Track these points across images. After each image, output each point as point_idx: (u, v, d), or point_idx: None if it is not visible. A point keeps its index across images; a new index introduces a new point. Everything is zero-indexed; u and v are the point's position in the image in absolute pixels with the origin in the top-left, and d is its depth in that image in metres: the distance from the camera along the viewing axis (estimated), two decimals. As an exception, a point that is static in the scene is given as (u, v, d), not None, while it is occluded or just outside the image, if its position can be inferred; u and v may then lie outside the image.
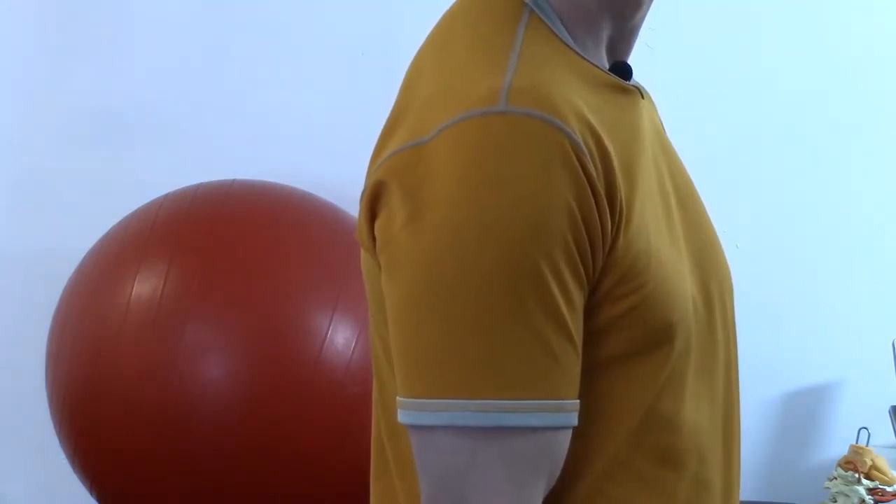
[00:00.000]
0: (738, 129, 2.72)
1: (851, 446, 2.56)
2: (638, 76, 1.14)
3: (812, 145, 2.74)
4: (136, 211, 2.24)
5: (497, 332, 0.88)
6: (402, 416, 0.92)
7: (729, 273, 1.14)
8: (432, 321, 0.90)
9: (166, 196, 2.23)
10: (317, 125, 2.65)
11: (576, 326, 0.91)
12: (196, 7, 2.66)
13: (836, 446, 2.70)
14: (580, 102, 0.93)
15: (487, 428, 0.88)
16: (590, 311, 0.93)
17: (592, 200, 0.90)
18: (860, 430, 2.60)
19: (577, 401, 0.92)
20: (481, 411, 0.88)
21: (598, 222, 0.91)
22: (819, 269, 2.75)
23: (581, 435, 0.94)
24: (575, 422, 0.92)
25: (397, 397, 0.93)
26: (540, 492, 0.91)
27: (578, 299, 0.91)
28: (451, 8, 1.05)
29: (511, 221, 0.88)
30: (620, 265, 0.93)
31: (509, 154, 0.89)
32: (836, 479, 2.51)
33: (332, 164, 2.46)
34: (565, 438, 0.93)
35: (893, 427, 2.54)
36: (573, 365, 0.91)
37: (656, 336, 0.97)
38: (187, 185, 2.26)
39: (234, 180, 2.28)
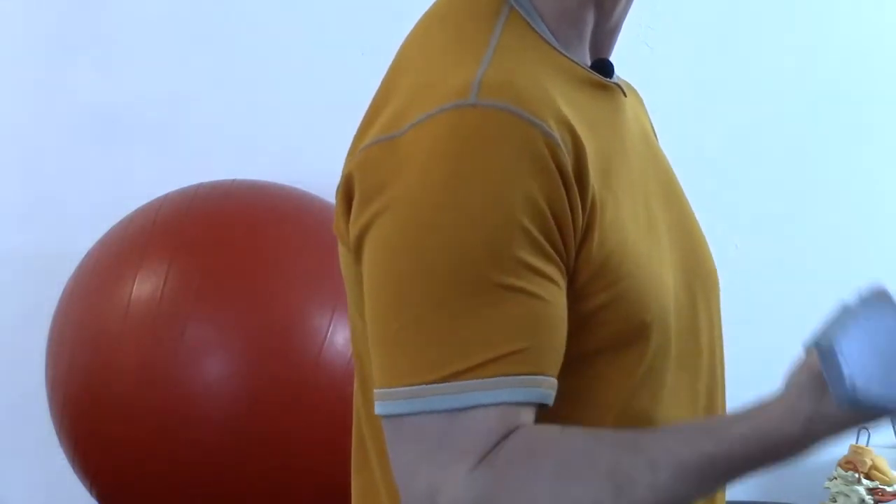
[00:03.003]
0: (738, 128, 2.72)
1: (851, 446, 2.56)
2: (637, 76, 1.14)
3: (811, 145, 2.74)
4: (136, 211, 2.24)
5: (464, 319, 0.89)
6: (378, 408, 0.92)
7: (715, 273, 1.14)
8: (401, 310, 0.91)
9: (166, 196, 2.23)
10: (317, 125, 2.65)
11: (557, 309, 0.91)
12: (196, 7, 2.66)
13: (836, 446, 2.68)
14: (556, 97, 0.94)
15: (457, 409, 0.88)
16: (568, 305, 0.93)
17: (563, 190, 0.91)
18: (860, 430, 2.59)
19: (553, 378, 0.91)
20: (451, 393, 0.88)
21: (569, 211, 0.91)
22: (819, 269, 2.74)
23: None
24: (549, 400, 0.91)
25: (374, 389, 0.94)
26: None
27: (560, 280, 0.91)
28: (433, 5, 1.06)
29: (477, 212, 0.89)
30: (594, 261, 0.94)
31: (477, 146, 0.90)
32: (836, 479, 2.51)
33: (331, 163, 2.45)
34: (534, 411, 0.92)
35: (893, 427, 2.53)
36: (550, 344, 0.91)
37: (630, 334, 0.97)
38: (187, 185, 2.26)
39: (234, 180, 2.28)
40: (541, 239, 0.90)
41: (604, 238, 0.94)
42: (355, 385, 1.08)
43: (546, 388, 0.91)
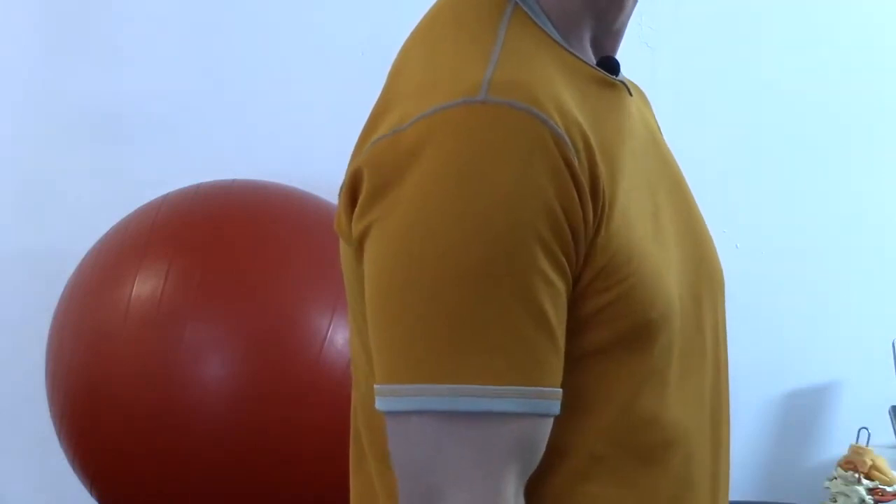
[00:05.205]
0: (739, 128, 2.72)
1: (851, 446, 2.56)
2: (638, 76, 1.13)
3: (812, 145, 2.74)
4: (136, 211, 2.23)
5: (472, 320, 0.88)
6: (379, 403, 0.92)
7: (721, 272, 1.13)
8: (408, 309, 0.89)
9: (166, 196, 2.23)
10: (317, 125, 2.65)
11: (558, 316, 0.90)
12: (196, 7, 2.66)
13: (836, 446, 2.70)
14: (564, 95, 0.93)
15: (460, 413, 0.88)
16: (570, 304, 0.93)
17: (574, 191, 0.90)
18: (860, 430, 2.60)
19: (559, 389, 0.91)
20: (454, 396, 0.87)
21: (581, 213, 0.90)
22: (819, 270, 2.75)
23: (556, 429, 0.93)
24: (555, 410, 0.91)
25: (374, 385, 0.93)
26: (511, 481, 0.90)
27: (561, 288, 0.90)
28: (436, 3, 1.05)
29: (488, 211, 0.87)
30: (600, 259, 0.93)
31: (488, 144, 0.88)
32: (836, 479, 2.51)
33: (332, 164, 2.45)
34: (543, 427, 0.92)
35: (893, 427, 2.54)
36: (553, 353, 0.91)
37: (635, 332, 0.96)
38: (187, 185, 2.26)
39: (234, 180, 2.28)
40: (555, 247, 0.89)
41: (609, 238, 0.93)
42: (353, 384, 1.08)
43: (554, 399, 0.91)
